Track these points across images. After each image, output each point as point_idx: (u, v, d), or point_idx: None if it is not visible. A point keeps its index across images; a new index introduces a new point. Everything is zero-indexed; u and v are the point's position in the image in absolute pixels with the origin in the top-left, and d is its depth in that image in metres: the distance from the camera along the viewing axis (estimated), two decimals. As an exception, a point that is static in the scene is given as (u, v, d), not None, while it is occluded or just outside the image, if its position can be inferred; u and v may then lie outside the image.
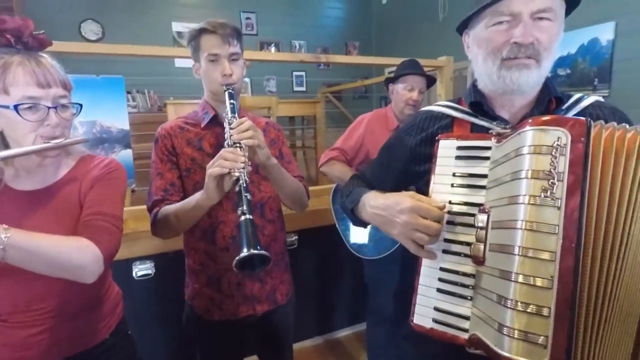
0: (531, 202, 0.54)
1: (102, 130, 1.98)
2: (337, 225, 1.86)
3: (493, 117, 0.78)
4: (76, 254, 0.79)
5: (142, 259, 1.83)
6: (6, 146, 0.85)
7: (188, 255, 1.25)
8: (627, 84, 3.05)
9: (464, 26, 0.81)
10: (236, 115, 1.09)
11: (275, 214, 1.27)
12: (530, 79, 0.70)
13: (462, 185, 0.71)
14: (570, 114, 0.74)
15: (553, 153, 0.52)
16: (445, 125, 0.84)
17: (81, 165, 0.95)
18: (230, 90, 1.12)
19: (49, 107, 0.82)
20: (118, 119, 2.00)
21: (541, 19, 0.68)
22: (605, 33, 3.08)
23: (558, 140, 0.53)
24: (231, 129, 1.03)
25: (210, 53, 1.11)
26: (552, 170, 0.52)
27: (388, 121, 1.90)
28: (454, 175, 0.73)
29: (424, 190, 0.80)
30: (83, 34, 4.92)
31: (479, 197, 0.69)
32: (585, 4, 0.73)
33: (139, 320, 1.82)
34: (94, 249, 0.81)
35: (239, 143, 1.00)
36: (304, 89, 6.09)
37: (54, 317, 0.90)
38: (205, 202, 1.02)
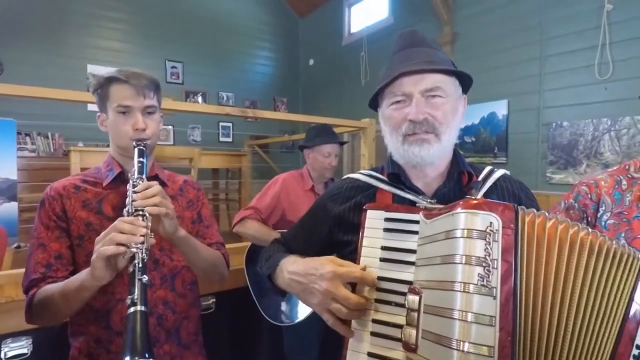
0: (467, 290, 0.51)
1: (-20, 180, 1.67)
2: (250, 289, 1.74)
3: (410, 187, 0.80)
4: None
5: (16, 335, 1.49)
6: None
7: (75, 341, 1.01)
8: (519, 154, 3.58)
9: (375, 103, 0.86)
10: (144, 176, 0.94)
11: (188, 286, 1.11)
12: (432, 152, 0.74)
13: (390, 260, 0.68)
14: (485, 187, 0.78)
15: (487, 239, 0.52)
16: (369, 195, 0.84)
17: None
18: (142, 147, 0.98)
19: None
20: (4, 168, 1.71)
21: (433, 96, 0.74)
22: (500, 109, 3.60)
23: (490, 226, 0.52)
24: (134, 192, 0.88)
25: (121, 104, 0.98)
26: (486, 256, 0.51)
27: (304, 182, 1.95)
28: (382, 248, 0.69)
29: (348, 259, 0.76)
30: (-25, 68, 4.35)
31: (407, 274, 0.65)
32: (483, 83, 0.82)
33: None
34: None
35: (142, 211, 0.85)
36: (230, 139, 6.01)
37: None
38: (91, 283, 0.83)
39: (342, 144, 2.00)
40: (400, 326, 0.62)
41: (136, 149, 0.98)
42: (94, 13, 5.08)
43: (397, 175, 0.81)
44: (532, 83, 3.47)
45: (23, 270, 1.67)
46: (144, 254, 0.80)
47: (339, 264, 0.67)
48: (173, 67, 5.61)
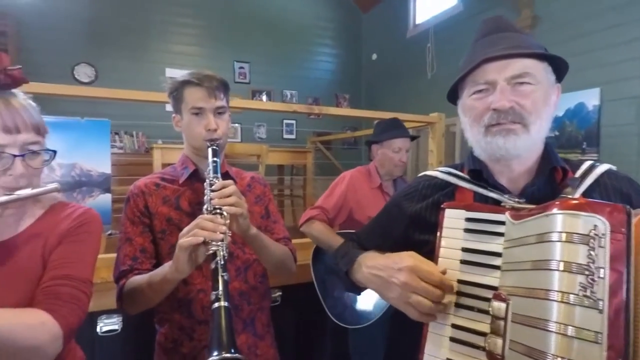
0: (565, 300, 0.46)
1: (81, 174, 1.88)
2: (316, 289, 1.75)
3: (493, 185, 0.74)
4: (29, 334, 0.67)
5: (110, 312, 1.66)
6: None
7: (161, 328, 1.09)
8: (615, 149, 3.14)
9: (454, 95, 0.81)
10: (218, 175, 0.97)
11: (259, 279, 1.15)
12: (519, 144, 0.68)
13: (472, 263, 0.64)
14: (585, 185, 0.69)
15: (590, 244, 0.46)
16: (447, 193, 0.79)
17: (50, 216, 0.84)
18: (215, 147, 1.02)
19: (14, 155, 0.74)
20: (100, 162, 1.91)
21: (521, 83, 0.68)
22: (591, 98, 3.21)
23: (595, 229, 0.46)
24: (212, 191, 0.91)
25: (195, 106, 1.03)
26: (589, 264, 0.45)
27: (371, 179, 1.87)
28: (463, 250, 0.66)
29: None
30: (76, 76, 4.94)
31: (491, 278, 0.61)
32: (569, 70, 0.73)
33: None
34: (52, 326, 0.70)
35: (220, 209, 0.88)
36: (293, 137, 6.15)
37: None
38: (174, 275, 0.87)
39: (413, 138, 1.88)
40: (483, 334, 0.59)
41: (210, 149, 1.01)
42: (171, 21, 5.50)
43: (478, 172, 0.75)
44: (630, 68, 3.02)
45: (115, 255, 1.88)
46: (224, 252, 0.82)
47: (419, 260, 0.65)
48: (241, 67, 5.87)
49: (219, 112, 1.06)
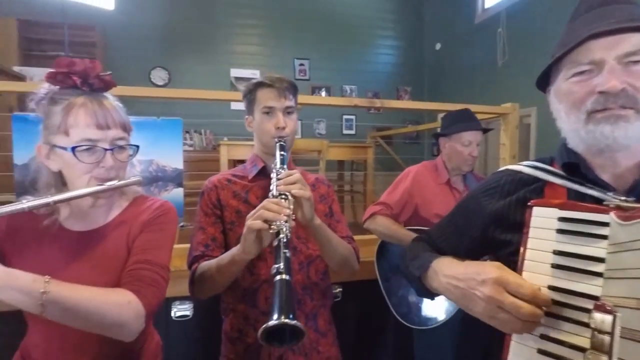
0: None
1: (157, 169, 2.02)
2: (381, 287, 1.70)
3: (593, 181, 0.64)
4: (116, 311, 0.73)
5: (182, 299, 1.78)
6: (64, 184, 0.85)
7: (226, 318, 1.14)
8: None
9: (544, 81, 0.72)
10: (285, 167, 1.03)
11: (320, 275, 1.15)
12: (630, 132, 0.58)
13: (567, 268, 0.56)
14: None
15: None
16: (535, 190, 0.71)
17: (133, 207, 0.93)
18: (282, 142, 1.08)
19: (105, 149, 0.82)
20: (173, 159, 2.04)
21: (635, 62, 0.58)
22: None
23: None
24: (278, 179, 0.96)
25: (266, 105, 1.10)
26: None
27: (438, 174, 1.77)
28: (555, 253, 0.58)
29: (507, 263, 0.66)
30: (152, 79, 5.36)
31: (591, 286, 0.53)
32: None
33: None
34: (136, 305, 0.76)
35: (285, 194, 0.92)
36: (353, 132, 6.10)
37: None
38: (241, 256, 0.92)
39: (485, 131, 1.75)
40: (581, 349, 0.51)
41: (277, 144, 1.08)
42: (236, 23, 5.72)
43: (574, 167, 0.67)
44: None
45: (187, 245, 2.00)
46: (287, 231, 0.85)
47: (506, 271, 0.58)
48: (301, 64, 5.95)
49: (288, 111, 1.12)
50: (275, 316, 0.71)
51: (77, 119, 0.79)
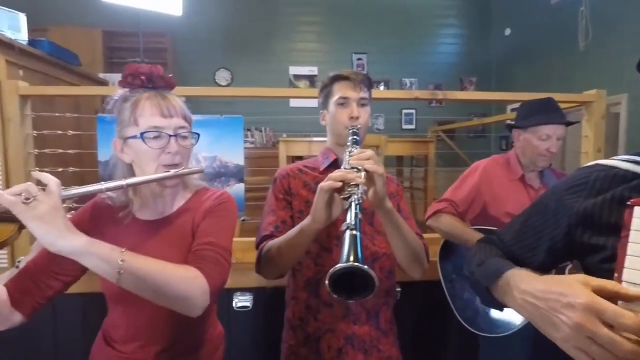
0: None
1: (220, 166, 2.11)
2: (444, 288, 1.60)
3: None
4: (184, 285, 0.78)
5: (243, 290, 1.84)
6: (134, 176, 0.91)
7: (288, 306, 1.17)
8: None
9: None
10: (358, 147, 1.03)
11: (386, 274, 1.13)
12: None
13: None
14: None
15: None
16: (636, 187, 0.61)
17: (196, 198, 0.99)
18: (355, 130, 1.10)
19: (170, 136, 0.87)
20: (235, 155, 2.11)
21: None
22: None
23: None
24: (351, 156, 0.95)
25: (341, 96, 1.14)
26: None
27: (511, 169, 1.61)
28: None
29: (598, 271, 0.57)
30: (217, 80, 5.64)
31: None
32: None
33: (232, 353, 1.82)
34: (202, 281, 0.80)
35: (357, 168, 0.90)
36: (413, 127, 5.90)
37: (157, 356, 0.92)
38: (310, 226, 0.91)
39: (569, 124, 1.55)
40: None
41: (350, 132, 1.10)
42: (294, 20, 5.81)
43: None
44: None
45: (248, 239, 2.06)
46: (359, 196, 0.83)
47: (596, 289, 0.49)
48: (359, 59, 5.88)
49: (362, 103, 1.15)
50: (345, 259, 0.69)
51: (144, 110, 0.87)
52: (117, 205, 0.93)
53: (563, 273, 1.18)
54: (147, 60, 5.00)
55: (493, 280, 0.68)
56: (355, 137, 1.07)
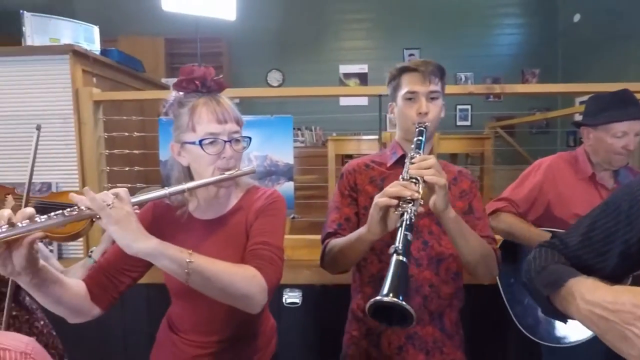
0: None
1: (271, 164, 2.16)
2: (501, 293, 1.50)
3: None
4: (246, 283, 0.83)
5: (292, 287, 1.89)
6: (191, 179, 0.96)
7: (353, 299, 1.19)
8: None
9: None
10: (421, 152, 0.99)
11: (452, 275, 1.10)
12: None
13: None
14: None
15: None
16: None
17: (247, 196, 1.03)
18: (422, 128, 1.05)
19: (225, 141, 0.91)
20: (285, 154, 2.15)
21: None
22: None
23: None
24: (412, 163, 0.93)
25: (409, 91, 1.08)
26: None
27: (579, 167, 1.47)
28: None
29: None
30: (268, 81, 5.81)
31: None
32: None
33: (281, 347, 1.86)
34: (260, 279, 0.84)
35: (416, 179, 0.89)
36: (468, 123, 5.64)
37: (217, 344, 0.99)
38: (366, 235, 0.93)
39: None
40: None
41: (417, 130, 1.05)
42: (344, 19, 5.81)
43: None
44: None
45: (298, 236, 2.10)
46: (411, 214, 0.83)
47: None
48: (410, 54, 5.73)
49: (432, 96, 1.09)
50: (385, 292, 0.70)
51: (201, 117, 0.91)
52: (174, 205, 0.99)
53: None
54: (204, 65, 5.27)
55: (554, 288, 0.63)
56: (419, 137, 1.02)
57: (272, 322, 1.13)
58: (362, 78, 5.71)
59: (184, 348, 1.00)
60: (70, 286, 0.84)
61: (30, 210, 0.69)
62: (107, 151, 2.14)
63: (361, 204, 1.13)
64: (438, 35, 5.64)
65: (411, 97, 1.08)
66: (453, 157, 4.28)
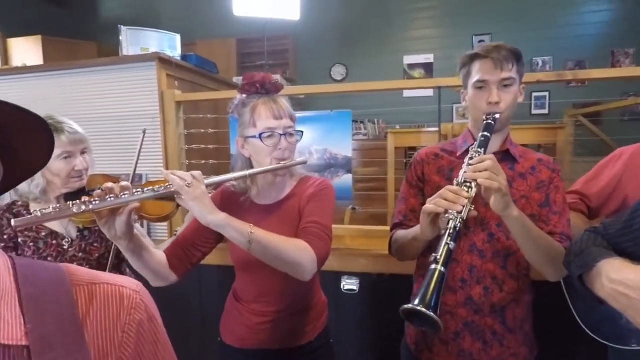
0: None
1: (330, 157, 2.27)
2: (563, 289, 1.43)
3: None
4: (297, 253, 0.96)
5: (350, 274, 1.98)
6: (252, 168, 1.11)
7: (415, 283, 1.23)
8: None
9: None
10: (482, 150, 0.97)
11: (522, 271, 1.09)
12: None
13: None
14: None
15: None
16: None
17: (300, 185, 1.16)
18: (490, 121, 1.01)
19: (281, 135, 1.05)
20: (344, 148, 2.24)
21: None
22: None
23: None
24: (469, 164, 0.93)
25: (479, 79, 1.04)
26: None
27: None
28: None
29: None
30: (332, 76, 5.91)
31: None
32: None
33: (339, 331, 1.97)
34: (310, 251, 0.97)
35: (470, 182, 0.90)
36: (545, 111, 5.20)
37: (276, 313, 1.14)
38: (420, 236, 0.99)
39: None
40: None
41: (485, 123, 1.02)
42: (408, 8, 5.65)
43: None
44: None
45: (356, 227, 2.18)
46: (457, 222, 0.86)
47: None
48: (480, 41, 5.40)
49: (504, 84, 1.04)
50: (417, 301, 0.76)
51: (260, 114, 1.06)
52: (238, 192, 1.15)
53: None
54: (271, 62, 5.54)
55: (586, 269, 0.65)
56: (485, 133, 0.99)
57: (324, 299, 1.26)
58: (427, 68, 5.54)
59: (247, 316, 1.16)
60: (156, 255, 1.03)
61: (127, 184, 0.88)
62: (187, 146, 2.41)
63: (427, 194, 1.12)
64: (511, 18, 5.24)
65: (481, 86, 1.04)
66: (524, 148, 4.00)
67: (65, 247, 1.21)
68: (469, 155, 0.96)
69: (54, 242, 1.21)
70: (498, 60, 1.01)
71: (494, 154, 1.02)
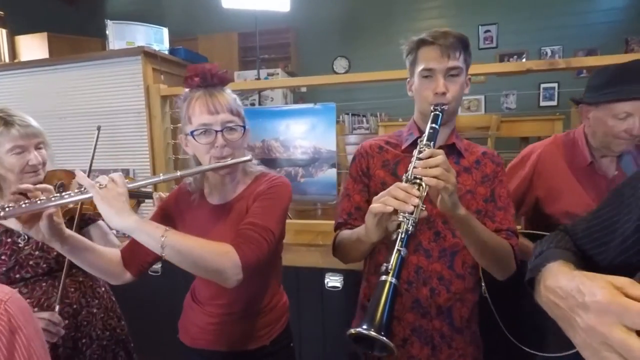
0: None
1: (314, 151, 2.22)
2: (485, 293, 1.33)
3: None
4: (216, 258, 0.87)
5: (334, 271, 1.93)
6: None
7: (361, 287, 1.18)
8: None
9: None
10: (431, 144, 0.90)
11: (468, 270, 1.03)
12: None
13: None
14: None
15: None
16: None
17: (254, 183, 1.07)
18: (437, 112, 0.95)
19: (216, 131, 0.96)
20: (327, 142, 2.19)
21: None
22: None
23: None
24: (419, 158, 0.85)
25: (424, 67, 0.98)
26: None
27: (575, 154, 1.24)
28: None
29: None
30: (334, 69, 5.83)
31: None
32: None
33: (324, 328, 1.94)
34: (233, 255, 0.87)
35: (420, 180, 0.82)
36: (554, 103, 5.02)
37: (226, 315, 1.08)
38: (364, 237, 0.90)
39: None
40: None
41: (432, 114, 0.95)
42: (413, -1, 5.51)
43: None
44: None
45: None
46: (409, 225, 0.77)
47: (621, 289, 0.40)
48: (486, 30, 5.26)
49: (451, 73, 0.98)
50: (365, 326, 0.66)
51: (194, 109, 0.98)
52: (193, 190, 1.09)
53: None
54: (273, 56, 5.49)
55: (534, 273, 0.59)
56: (433, 124, 0.92)
57: (285, 300, 1.19)
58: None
59: (200, 316, 1.11)
60: (104, 254, 0.99)
61: (47, 186, 0.85)
62: (173, 141, 2.40)
63: (372, 190, 1.07)
64: (518, 6, 5.07)
65: (427, 75, 0.98)
66: (524, 142, 3.88)
67: (21, 245, 1.19)
68: (418, 149, 0.88)
69: (9, 239, 1.19)
70: (445, 47, 0.95)
71: (440, 147, 0.97)
